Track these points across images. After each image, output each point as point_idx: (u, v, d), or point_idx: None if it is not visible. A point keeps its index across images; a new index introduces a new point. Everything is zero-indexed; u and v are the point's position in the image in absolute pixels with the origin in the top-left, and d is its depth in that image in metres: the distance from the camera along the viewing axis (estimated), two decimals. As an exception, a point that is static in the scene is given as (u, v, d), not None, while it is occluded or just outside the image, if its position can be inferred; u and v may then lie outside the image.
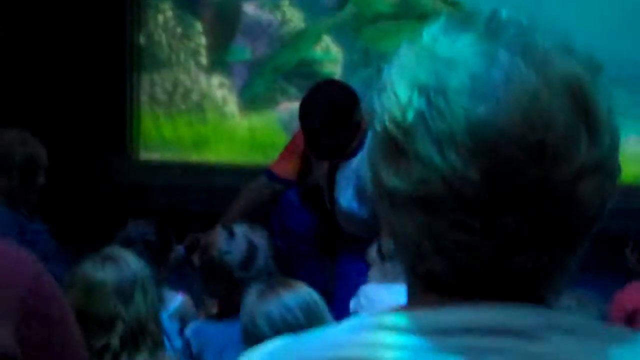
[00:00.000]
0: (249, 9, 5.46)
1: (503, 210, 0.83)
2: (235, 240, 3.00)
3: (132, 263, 2.50)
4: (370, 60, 5.40)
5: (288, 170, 3.95)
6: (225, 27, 5.46)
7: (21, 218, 3.50)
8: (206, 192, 4.90)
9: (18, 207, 3.52)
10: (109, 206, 4.80)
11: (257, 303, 2.50)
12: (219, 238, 3.01)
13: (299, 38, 5.37)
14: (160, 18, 5.40)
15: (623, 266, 4.02)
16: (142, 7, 5.35)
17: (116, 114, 5.21)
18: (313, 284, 3.80)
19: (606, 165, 0.86)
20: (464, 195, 0.83)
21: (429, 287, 0.87)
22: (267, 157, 4.49)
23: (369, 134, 0.91)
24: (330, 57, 5.42)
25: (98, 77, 5.14)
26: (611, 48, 5.14)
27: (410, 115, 0.84)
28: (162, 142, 5.39)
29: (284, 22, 5.45)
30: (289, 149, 4.01)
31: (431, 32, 0.88)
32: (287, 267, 3.71)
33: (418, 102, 0.84)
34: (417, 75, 0.86)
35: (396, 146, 0.85)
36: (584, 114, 0.84)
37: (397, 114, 0.85)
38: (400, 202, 0.86)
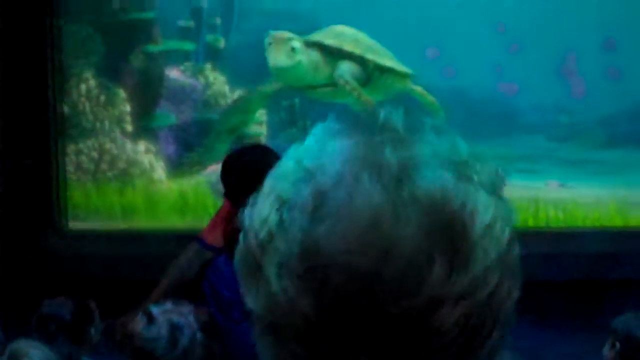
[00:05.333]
0: (172, 74, 5.51)
1: (336, 344, 0.73)
2: (156, 324, 3.00)
3: (33, 357, 2.53)
4: (296, 119, 5.50)
5: (217, 237, 4.00)
6: (149, 93, 5.49)
7: None
8: (138, 260, 4.89)
9: None
10: (40, 278, 4.75)
11: None
12: (139, 326, 3.01)
13: (248, 102, 5.47)
14: (83, 87, 5.41)
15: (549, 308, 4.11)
16: (64, 77, 5.35)
17: (42, 185, 5.18)
18: (247, 349, 3.82)
19: (479, 291, 0.73)
20: (297, 326, 0.74)
21: None
22: (198, 220, 4.51)
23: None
24: (256, 119, 5.51)
25: (23, 148, 5.11)
26: (530, 95, 5.33)
27: (264, 233, 0.77)
28: (91, 211, 5.37)
29: (207, 86, 5.51)
30: (217, 216, 4.06)
31: (311, 136, 0.81)
32: (220, 334, 3.72)
33: (274, 218, 0.76)
34: (284, 187, 0.77)
35: (255, 264, 0.78)
36: (445, 236, 0.73)
37: (257, 228, 0.77)
38: (256, 323, 0.79)
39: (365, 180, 0.73)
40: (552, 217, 5.05)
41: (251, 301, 0.78)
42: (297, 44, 5.18)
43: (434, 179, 0.74)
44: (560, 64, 5.36)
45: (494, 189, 0.77)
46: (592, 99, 5.33)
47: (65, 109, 5.36)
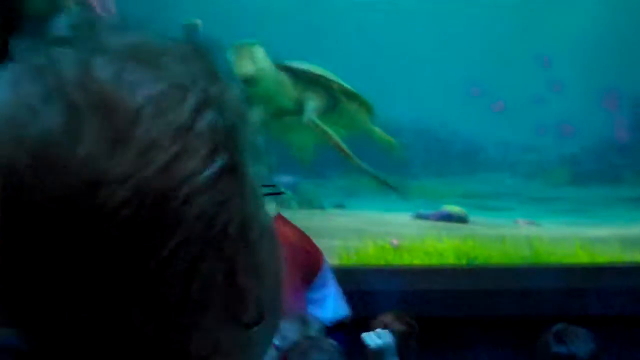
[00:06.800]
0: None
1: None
2: None
3: None
4: (270, 152, 5.45)
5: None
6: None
7: None
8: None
9: None
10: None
11: None
12: None
13: None
14: None
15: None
16: None
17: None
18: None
19: (146, 168, 0.64)
20: None
21: None
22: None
23: None
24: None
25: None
26: (496, 133, 5.31)
27: None
28: None
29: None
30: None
31: None
32: None
33: None
34: None
35: None
36: (94, 114, 0.65)
37: None
38: None
39: None
40: (520, 255, 5.00)
41: None
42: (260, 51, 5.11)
43: (79, 61, 0.66)
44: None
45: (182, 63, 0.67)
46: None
47: None
